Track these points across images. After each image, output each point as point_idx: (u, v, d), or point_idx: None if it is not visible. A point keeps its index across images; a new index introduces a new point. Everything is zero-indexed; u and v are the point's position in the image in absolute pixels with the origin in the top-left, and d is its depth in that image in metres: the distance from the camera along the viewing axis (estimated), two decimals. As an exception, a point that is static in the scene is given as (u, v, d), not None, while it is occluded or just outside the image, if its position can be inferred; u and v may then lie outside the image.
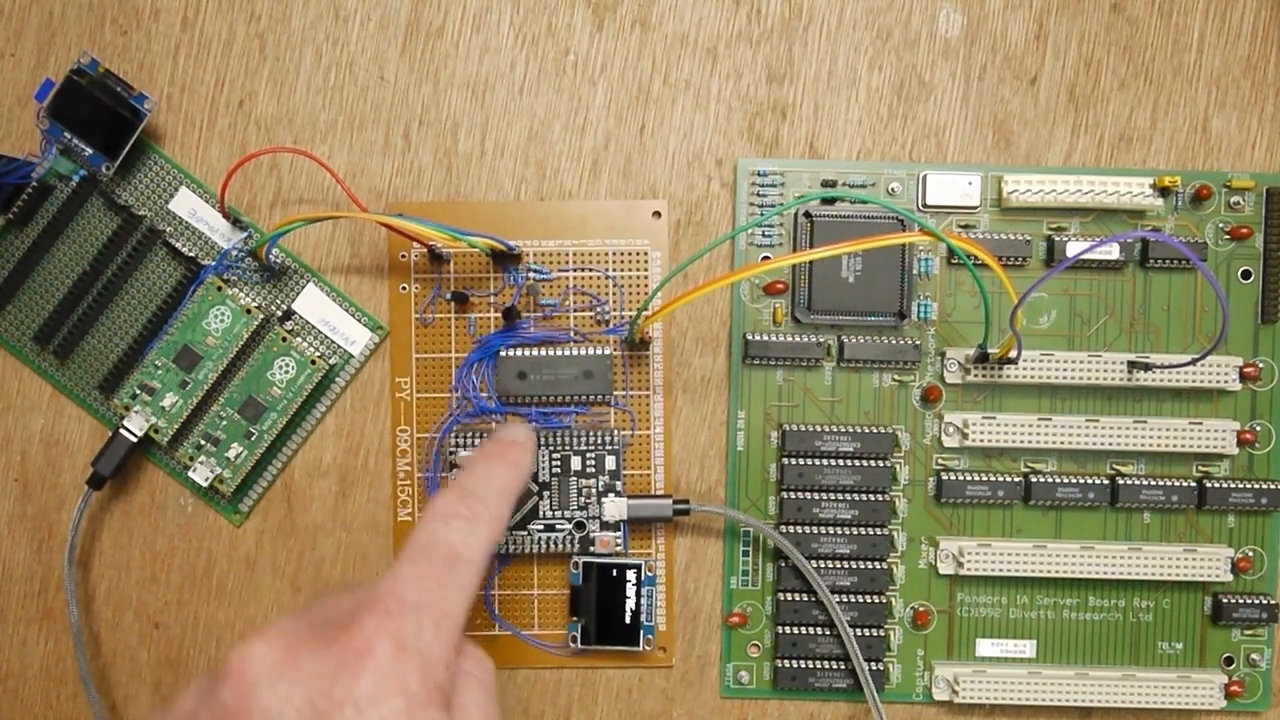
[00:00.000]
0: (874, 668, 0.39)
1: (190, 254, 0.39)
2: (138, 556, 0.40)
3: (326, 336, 0.40)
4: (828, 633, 0.39)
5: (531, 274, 0.39)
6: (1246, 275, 0.39)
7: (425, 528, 0.29)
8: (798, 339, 0.39)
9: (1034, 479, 0.39)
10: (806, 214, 0.39)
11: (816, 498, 0.39)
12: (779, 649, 0.39)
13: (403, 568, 0.28)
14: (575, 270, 0.39)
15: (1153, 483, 0.39)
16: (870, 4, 0.39)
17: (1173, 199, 0.39)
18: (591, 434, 0.39)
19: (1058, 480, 0.39)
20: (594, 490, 0.39)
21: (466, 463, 0.34)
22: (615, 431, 0.39)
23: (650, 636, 0.39)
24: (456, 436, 0.39)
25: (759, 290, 0.39)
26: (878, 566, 0.39)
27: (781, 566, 0.39)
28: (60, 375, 0.40)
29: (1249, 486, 0.39)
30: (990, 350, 0.38)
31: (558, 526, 0.39)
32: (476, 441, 0.39)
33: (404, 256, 0.39)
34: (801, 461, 0.39)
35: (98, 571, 0.41)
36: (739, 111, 0.40)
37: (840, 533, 0.39)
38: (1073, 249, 0.38)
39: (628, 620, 0.39)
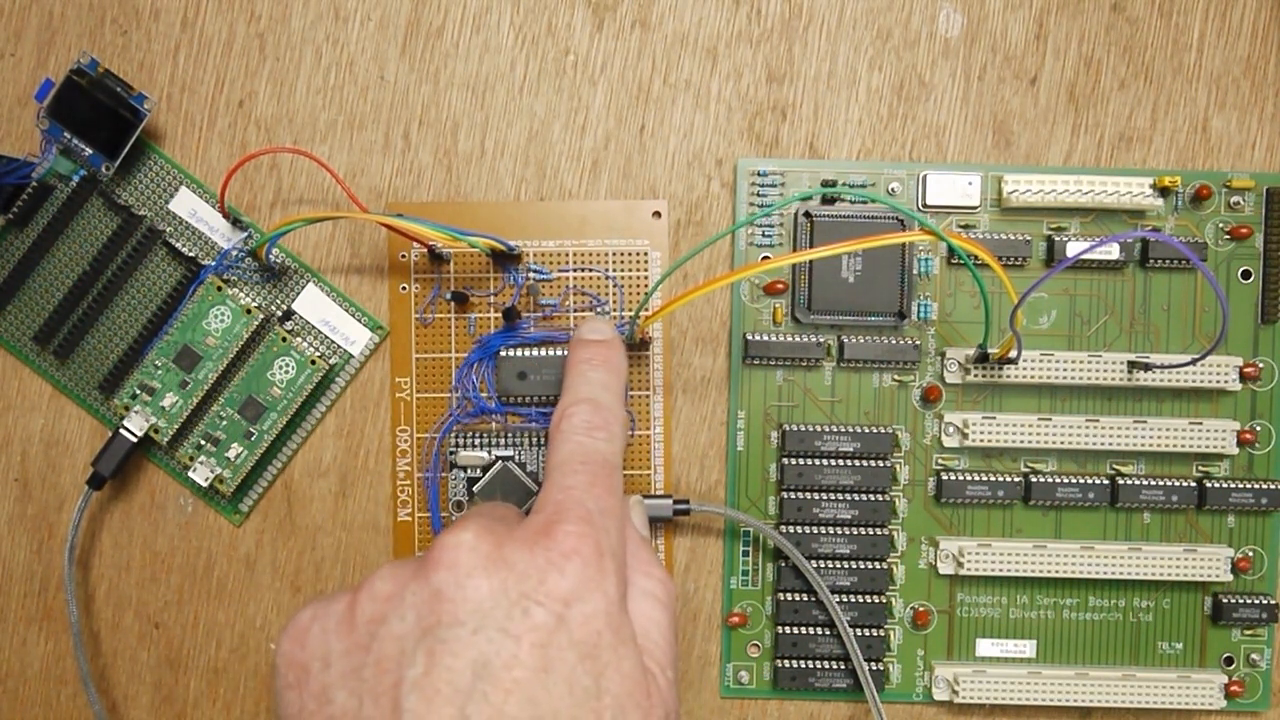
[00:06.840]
0: (874, 668, 0.39)
1: (190, 254, 0.39)
2: (138, 556, 0.40)
3: (326, 336, 0.40)
4: (828, 633, 0.39)
5: (531, 274, 0.39)
6: (1246, 275, 0.39)
7: (573, 440, 0.30)
8: (798, 339, 0.39)
9: (1034, 479, 0.39)
10: (806, 214, 0.39)
11: (816, 498, 0.39)
12: (779, 649, 0.39)
13: (569, 479, 0.29)
14: (575, 270, 0.39)
15: (1153, 483, 0.39)
16: (870, 4, 0.39)
17: (1173, 199, 0.39)
18: (591, 434, 0.39)
19: (1058, 480, 0.39)
20: (594, 490, 0.39)
21: (569, 371, 0.34)
22: (615, 431, 0.39)
23: (650, 636, 0.39)
24: (456, 436, 0.39)
25: (759, 290, 0.39)
26: (878, 566, 0.39)
27: (781, 566, 0.39)
28: (60, 375, 0.40)
29: (1249, 486, 0.39)
30: (990, 350, 0.38)
31: (558, 526, 0.39)
32: (477, 442, 0.39)
33: (404, 256, 0.39)
34: (801, 461, 0.39)
35: (98, 571, 0.41)
36: (739, 111, 0.40)
37: (840, 533, 0.39)
38: (1073, 249, 0.38)
39: (628, 620, 0.39)
